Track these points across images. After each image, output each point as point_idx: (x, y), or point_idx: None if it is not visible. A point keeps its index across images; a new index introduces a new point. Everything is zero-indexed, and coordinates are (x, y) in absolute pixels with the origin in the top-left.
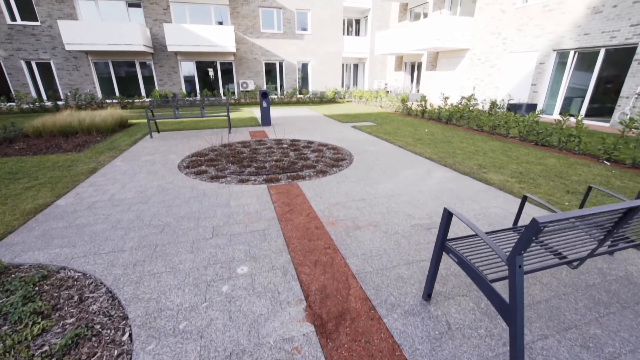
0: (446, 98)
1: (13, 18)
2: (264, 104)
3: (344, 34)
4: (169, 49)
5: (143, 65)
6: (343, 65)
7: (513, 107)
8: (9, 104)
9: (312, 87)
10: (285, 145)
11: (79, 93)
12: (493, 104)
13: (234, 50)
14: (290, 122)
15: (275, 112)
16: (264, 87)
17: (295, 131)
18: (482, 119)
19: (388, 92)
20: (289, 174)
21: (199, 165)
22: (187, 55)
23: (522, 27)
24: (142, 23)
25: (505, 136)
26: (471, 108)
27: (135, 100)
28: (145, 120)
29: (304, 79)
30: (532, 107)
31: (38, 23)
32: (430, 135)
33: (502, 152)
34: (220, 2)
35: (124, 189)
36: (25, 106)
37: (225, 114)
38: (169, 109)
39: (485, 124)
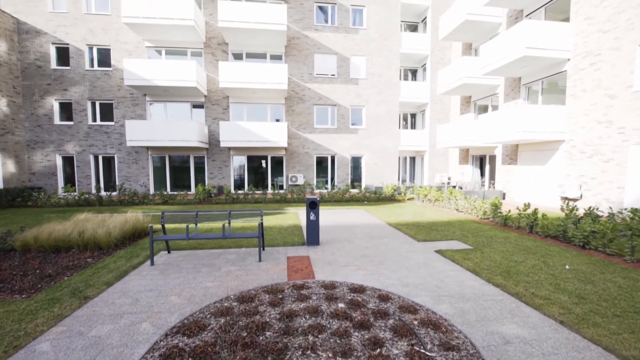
0: (573, 209)
1: (94, 119)
2: (312, 216)
3: (399, 127)
4: (222, 144)
5: (196, 158)
6: (398, 157)
7: None
8: (65, 193)
9: (365, 180)
10: (341, 305)
11: (124, 188)
12: (634, 212)
13: (285, 145)
14: (345, 239)
15: (325, 215)
16: (314, 181)
17: (354, 259)
18: None
19: (454, 187)
20: None
21: None
22: (240, 150)
23: None
24: (202, 121)
25: None
26: None
27: (179, 193)
28: (162, 227)
29: (356, 169)
30: None
31: (112, 123)
32: (590, 284)
33: None
34: (277, 102)
35: None
36: (70, 198)
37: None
38: (207, 210)
39: None
